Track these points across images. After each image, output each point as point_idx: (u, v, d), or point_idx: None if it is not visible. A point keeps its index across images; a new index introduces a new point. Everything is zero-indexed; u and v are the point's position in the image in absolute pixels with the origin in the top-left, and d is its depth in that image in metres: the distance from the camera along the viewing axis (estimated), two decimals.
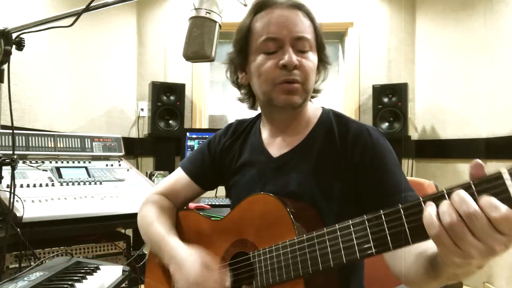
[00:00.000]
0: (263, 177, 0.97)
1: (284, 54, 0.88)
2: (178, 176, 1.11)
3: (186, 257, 0.86)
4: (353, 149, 0.89)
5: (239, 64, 0.98)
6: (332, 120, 0.96)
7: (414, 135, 3.38)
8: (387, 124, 3.16)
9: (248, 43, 0.94)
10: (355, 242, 0.66)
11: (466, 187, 0.52)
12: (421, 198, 0.58)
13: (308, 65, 0.90)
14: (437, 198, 0.55)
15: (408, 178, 1.46)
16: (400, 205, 0.60)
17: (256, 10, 0.94)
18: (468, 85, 3.03)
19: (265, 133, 1.03)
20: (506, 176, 0.50)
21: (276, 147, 0.99)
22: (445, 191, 0.55)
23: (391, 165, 0.88)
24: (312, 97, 1.01)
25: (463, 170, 3.05)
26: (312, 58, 0.92)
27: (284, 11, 0.91)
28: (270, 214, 0.82)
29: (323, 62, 0.98)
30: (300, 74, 0.89)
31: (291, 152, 0.95)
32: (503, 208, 0.49)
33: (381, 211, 0.63)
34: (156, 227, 0.98)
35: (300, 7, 0.93)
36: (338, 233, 0.68)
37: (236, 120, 1.14)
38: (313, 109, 1.01)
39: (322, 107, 1.02)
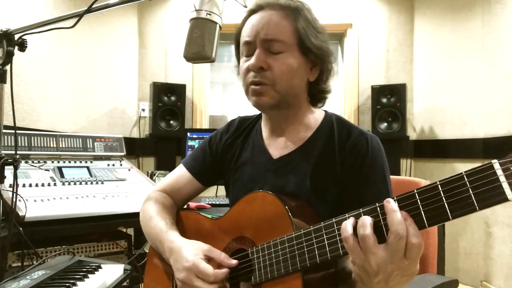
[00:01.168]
0: (262, 178, 0.97)
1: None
2: (180, 173, 1.11)
3: (184, 245, 0.88)
4: (349, 156, 0.89)
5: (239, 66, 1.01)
6: (334, 125, 0.95)
7: (412, 135, 3.38)
8: (385, 124, 3.16)
9: (239, 46, 0.98)
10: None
11: (458, 178, 0.56)
12: (415, 190, 0.60)
13: (278, 67, 0.88)
14: (408, 197, 0.61)
15: (406, 178, 1.46)
16: (394, 197, 0.62)
17: (249, 13, 0.96)
18: (466, 85, 3.03)
19: (265, 133, 1.03)
20: (497, 166, 0.52)
21: (276, 148, 0.99)
22: (415, 191, 0.60)
23: (376, 181, 0.88)
24: (320, 98, 1.00)
25: (461, 169, 3.00)
26: (286, 60, 0.89)
27: (265, 13, 0.92)
28: (269, 211, 0.83)
29: (315, 62, 0.94)
30: (269, 76, 0.89)
31: (291, 155, 0.95)
32: (419, 237, 0.58)
33: (376, 204, 0.64)
34: (156, 223, 0.98)
35: (286, 8, 0.91)
36: (335, 226, 0.69)
37: (239, 116, 1.13)
38: (316, 113, 1.00)
39: (325, 111, 1.02)
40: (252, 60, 0.89)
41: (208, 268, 0.81)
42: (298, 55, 0.91)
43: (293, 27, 0.90)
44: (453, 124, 3.12)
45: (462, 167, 3.04)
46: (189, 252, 0.84)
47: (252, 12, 0.95)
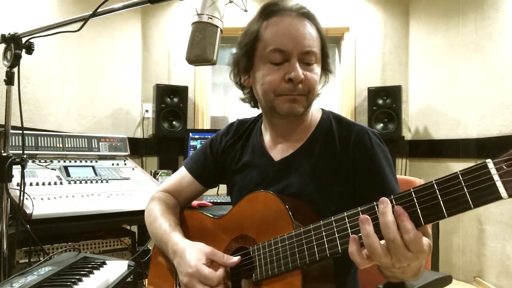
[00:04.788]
0: (264, 180, 0.96)
1: (291, 68, 0.85)
2: (182, 175, 1.11)
3: (187, 248, 0.86)
4: (354, 153, 0.88)
5: (244, 67, 0.95)
6: (332, 123, 0.95)
7: (407, 135, 3.38)
8: (382, 125, 3.16)
9: (255, 49, 0.91)
10: (349, 231, 0.67)
11: (453, 177, 0.55)
12: (411, 189, 0.60)
13: (313, 78, 0.88)
14: (405, 195, 0.60)
15: (401, 176, 1.46)
16: (392, 196, 0.62)
17: (266, 15, 0.91)
18: (459, 87, 3.03)
19: (266, 136, 1.02)
20: (490, 165, 0.52)
21: (277, 150, 0.98)
22: (412, 189, 0.60)
23: (387, 172, 0.87)
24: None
25: (455, 169, 3.04)
26: (317, 70, 0.90)
27: (294, 21, 0.88)
28: (269, 211, 0.83)
29: (325, 69, 0.96)
30: (304, 87, 0.87)
31: (292, 156, 0.94)
32: (412, 231, 0.58)
33: (374, 202, 0.63)
34: (161, 224, 0.98)
35: (308, 16, 0.90)
36: (334, 224, 0.69)
37: (238, 119, 1.12)
38: (314, 112, 0.99)
39: (322, 109, 1.01)
40: (296, 71, 0.85)
41: (210, 273, 0.80)
42: (320, 65, 0.92)
43: (321, 39, 0.91)
44: (447, 125, 3.12)
45: (456, 166, 3.04)
46: (192, 257, 0.83)
47: (271, 13, 0.90)
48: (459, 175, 0.55)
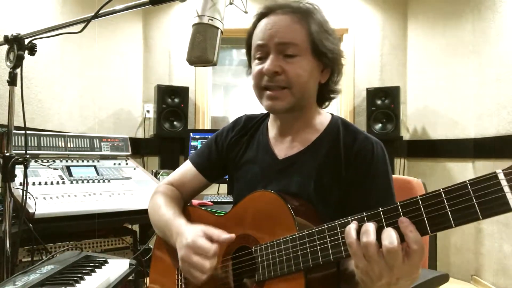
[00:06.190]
0: (266, 177, 0.95)
1: (267, 61, 0.87)
2: (187, 169, 1.10)
3: (188, 227, 0.87)
4: (355, 161, 0.87)
5: (249, 67, 0.99)
6: (340, 129, 0.93)
7: (406, 135, 3.38)
8: (380, 125, 3.16)
9: (250, 49, 0.95)
10: None
11: (462, 187, 0.53)
12: (418, 197, 0.58)
13: (293, 70, 0.86)
14: (412, 203, 0.59)
15: (399, 176, 1.46)
16: (398, 202, 0.60)
17: (260, 16, 0.93)
18: (457, 88, 3.03)
19: (272, 133, 1.01)
20: (501, 176, 0.50)
21: (282, 148, 0.97)
22: (419, 197, 0.58)
23: (380, 187, 0.86)
24: (328, 98, 0.98)
25: (452, 168, 3.06)
26: (300, 63, 0.87)
27: (276, 17, 0.89)
28: (272, 211, 0.82)
29: (326, 64, 0.92)
30: (284, 79, 0.86)
31: (297, 156, 0.93)
32: (394, 242, 0.57)
33: (380, 208, 0.62)
34: (165, 212, 0.98)
35: (297, 11, 0.89)
36: (338, 229, 0.68)
37: (245, 115, 1.11)
38: (322, 116, 0.98)
39: (332, 114, 0.99)
40: (267, 64, 0.86)
41: (206, 243, 0.79)
42: (311, 59, 0.89)
43: (306, 31, 0.88)
44: (444, 125, 3.12)
45: (454, 166, 3.04)
46: (190, 231, 0.84)
47: (263, 15, 0.92)
48: (468, 184, 0.53)
